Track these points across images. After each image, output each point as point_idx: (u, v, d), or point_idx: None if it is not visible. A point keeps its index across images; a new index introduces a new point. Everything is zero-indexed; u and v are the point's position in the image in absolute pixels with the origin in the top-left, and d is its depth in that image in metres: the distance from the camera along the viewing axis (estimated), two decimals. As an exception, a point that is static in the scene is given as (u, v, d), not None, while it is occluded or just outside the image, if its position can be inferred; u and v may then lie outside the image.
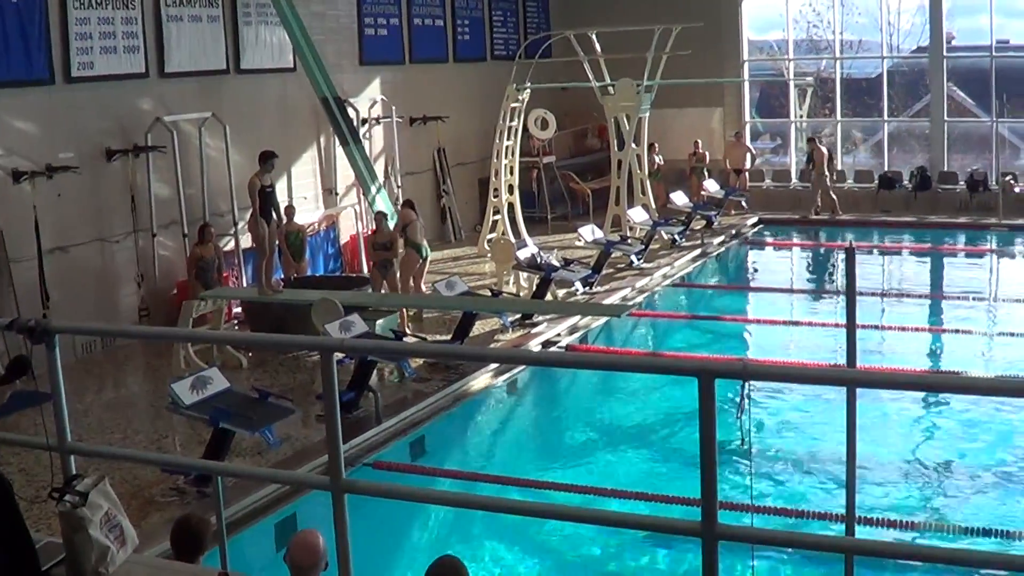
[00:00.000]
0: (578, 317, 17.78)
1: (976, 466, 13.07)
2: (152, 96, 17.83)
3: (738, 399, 6.43)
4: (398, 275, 17.74)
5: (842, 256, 8.05)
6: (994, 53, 28.35)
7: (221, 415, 10.89)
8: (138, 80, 17.65)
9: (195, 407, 11.13)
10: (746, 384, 5.45)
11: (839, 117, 30.31)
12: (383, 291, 17.47)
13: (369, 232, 19.61)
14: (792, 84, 30.99)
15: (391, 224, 18.24)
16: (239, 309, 17.68)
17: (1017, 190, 27.30)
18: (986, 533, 10.83)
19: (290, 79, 20.67)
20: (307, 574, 5.86)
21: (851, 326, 7.25)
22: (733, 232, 26.23)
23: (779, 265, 27.04)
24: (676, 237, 23.86)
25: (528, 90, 22.97)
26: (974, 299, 21.02)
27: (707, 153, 28.16)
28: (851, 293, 7.37)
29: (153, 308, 17.42)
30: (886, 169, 29.25)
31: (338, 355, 12.53)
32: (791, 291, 23.30)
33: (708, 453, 4.87)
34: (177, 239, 17.56)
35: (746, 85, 30.59)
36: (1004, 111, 28.88)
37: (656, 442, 14.10)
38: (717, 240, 25.10)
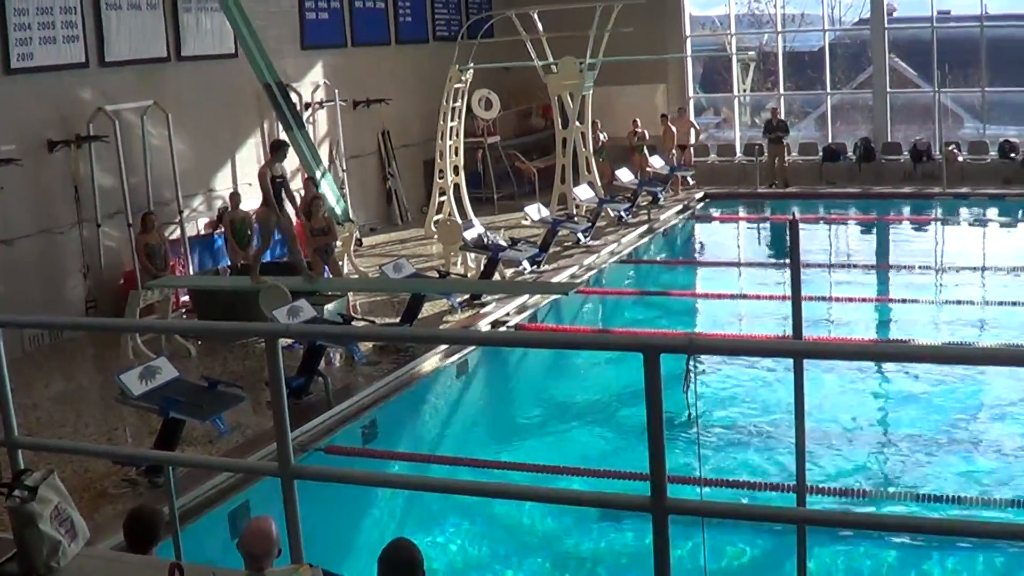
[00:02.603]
0: (527, 296, 17.81)
1: (925, 433, 13.23)
2: (93, 86, 17.67)
3: (695, 371, 6.49)
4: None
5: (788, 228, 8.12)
6: (935, 24, 28.57)
7: (170, 404, 10.84)
8: (78, 70, 17.48)
9: (144, 397, 11.07)
10: (692, 358, 5.50)
11: (782, 91, 30.46)
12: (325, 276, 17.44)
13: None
14: (735, 59, 31.10)
15: (336, 209, 18.21)
16: (186, 297, 17.60)
17: (960, 159, 27.58)
18: (937, 499, 10.96)
19: (232, 65, 20.52)
20: (260, 561, 5.86)
21: (796, 298, 7.32)
22: (680, 207, 26.33)
23: (726, 239, 27.19)
24: (622, 214, 23.94)
25: (471, 71, 22.94)
26: (920, 268, 21.23)
27: (646, 131, 28.18)
28: (795, 265, 7.44)
29: (100, 299, 17.30)
30: (830, 141, 29.46)
31: (287, 341, 12.59)
32: (738, 265, 23.44)
33: (655, 428, 4.91)
34: (122, 229, 17.40)
35: (689, 61, 30.67)
36: (946, 81, 29.14)
37: (608, 418, 14.17)
38: (664, 216, 25.19)
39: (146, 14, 18.74)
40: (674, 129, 27.70)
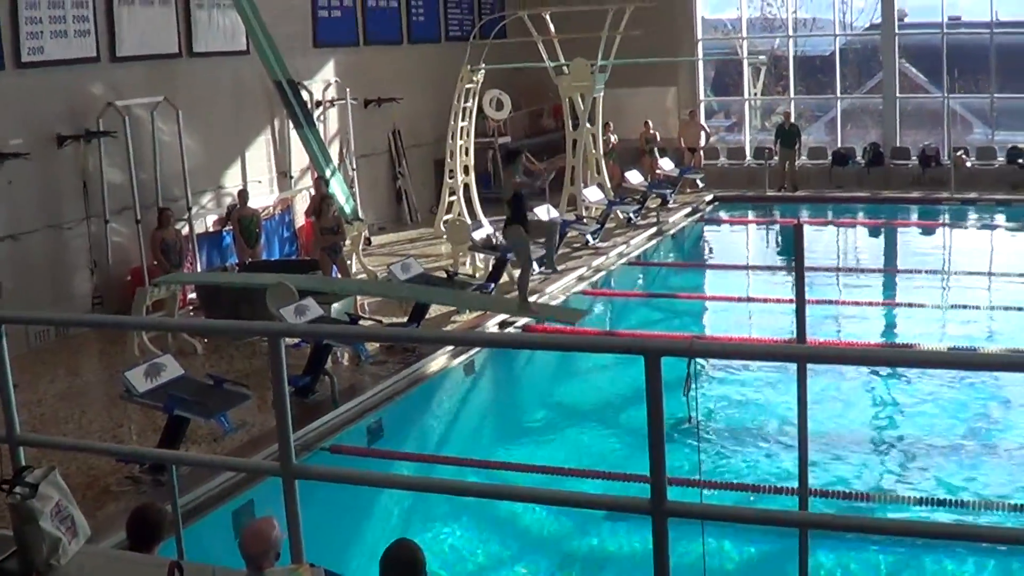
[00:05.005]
0: (536, 296, 17.79)
1: (929, 438, 13.22)
2: (103, 81, 17.67)
3: (697, 375, 6.48)
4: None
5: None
6: (945, 30, 28.65)
7: (175, 402, 10.85)
8: (89, 65, 17.47)
9: (149, 395, 11.08)
10: (694, 361, 5.50)
11: (793, 95, 30.44)
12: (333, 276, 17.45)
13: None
14: (746, 62, 31.10)
15: (345, 208, 18.21)
16: (193, 295, 17.60)
17: (968, 165, 27.60)
18: (940, 504, 10.97)
19: (243, 62, 20.52)
20: (259, 561, 5.85)
21: (800, 301, 7.32)
22: (689, 210, 26.32)
23: (734, 242, 27.17)
24: (631, 216, 23.94)
25: (483, 71, 22.95)
26: (927, 273, 21.22)
27: (657, 133, 28.21)
28: (800, 269, 7.44)
29: (107, 295, 17.30)
30: (839, 146, 29.52)
31: (292, 340, 12.60)
32: (746, 268, 23.45)
33: (656, 431, 4.91)
34: (130, 225, 17.42)
35: (700, 64, 30.65)
36: (956, 87, 29.17)
37: (613, 420, 14.20)
38: (673, 218, 25.17)
39: (158, 9, 18.75)
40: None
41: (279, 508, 5.98)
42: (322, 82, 23.04)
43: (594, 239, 21.78)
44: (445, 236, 21.10)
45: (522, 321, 16.99)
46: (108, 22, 17.77)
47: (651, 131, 28.09)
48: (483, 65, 22.91)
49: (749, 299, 19.67)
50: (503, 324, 16.67)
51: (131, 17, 18.17)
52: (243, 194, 18.83)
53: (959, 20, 29.67)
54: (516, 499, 8.94)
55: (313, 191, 19.44)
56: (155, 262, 17.05)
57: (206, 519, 10.15)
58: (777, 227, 26.78)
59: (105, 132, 17.08)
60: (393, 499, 11.48)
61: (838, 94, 30.11)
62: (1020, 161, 27.39)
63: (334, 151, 22.53)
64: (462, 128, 22.99)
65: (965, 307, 18.13)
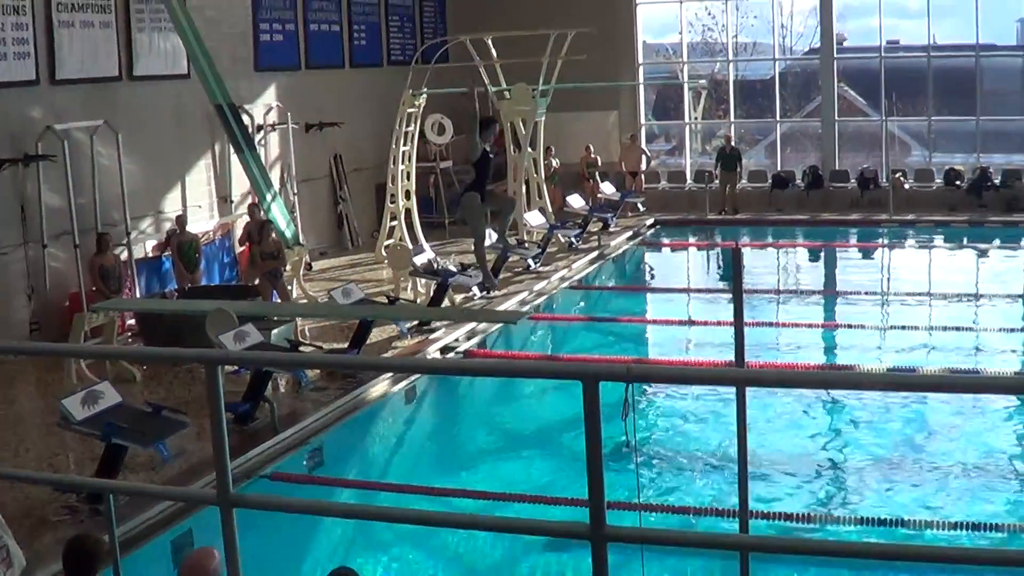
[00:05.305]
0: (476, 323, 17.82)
1: (869, 458, 13.34)
2: (43, 104, 17.53)
3: (636, 399, 6.50)
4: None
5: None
6: (883, 54, 29.06)
7: (113, 430, 10.74)
8: (28, 87, 17.33)
9: (86, 423, 10.96)
10: (632, 385, 5.52)
11: (733, 118, 30.71)
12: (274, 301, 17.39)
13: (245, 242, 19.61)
14: (686, 86, 31.33)
15: (286, 233, 18.16)
16: (132, 321, 17.45)
17: (907, 187, 28.05)
18: (881, 523, 11.04)
19: (184, 86, 20.43)
20: (198, 593, 5.81)
21: (739, 325, 7.35)
22: (630, 234, 26.44)
23: (675, 265, 27.34)
24: (573, 240, 24.02)
25: (424, 95, 22.95)
26: (866, 294, 21.45)
27: (598, 157, 28.41)
28: (738, 292, 7.47)
29: (44, 321, 17.12)
30: (779, 169, 29.81)
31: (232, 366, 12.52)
32: (687, 291, 23.57)
33: (594, 455, 4.91)
34: (68, 250, 17.25)
35: (641, 88, 30.87)
36: (894, 110, 29.57)
37: (555, 444, 14.18)
38: (614, 242, 25.28)
39: (99, 32, 18.62)
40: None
41: (218, 537, 5.94)
42: (263, 106, 22.98)
43: (535, 263, 21.82)
44: (386, 261, 21.06)
45: (463, 347, 16.99)
46: (48, 44, 17.65)
47: (592, 155, 28.27)
48: (425, 89, 22.91)
49: (690, 322, 19.79)
50: (444, 350, 16.66)
51: (71, 40, 18.05)
52: (181, 219, 18.74)
53: (897, 44, 30.11)
54: (456, 526, 8.92)
55: (248, 218, 19.37)
56: (93, 288, 16.90)
57: (144, 549, 10.03)
58: (718, 250, 26.99)
59: (44, 156, 16.90)
60: (335, 526, 11.40)
61: (778, 117, 30.44)
62: (958, 183, 27.83)
63: (275, 175, 22.48)
64: (404, 152, 22.96)
65: (904, 328, 18.31)
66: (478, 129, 16.09)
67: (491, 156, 16.16)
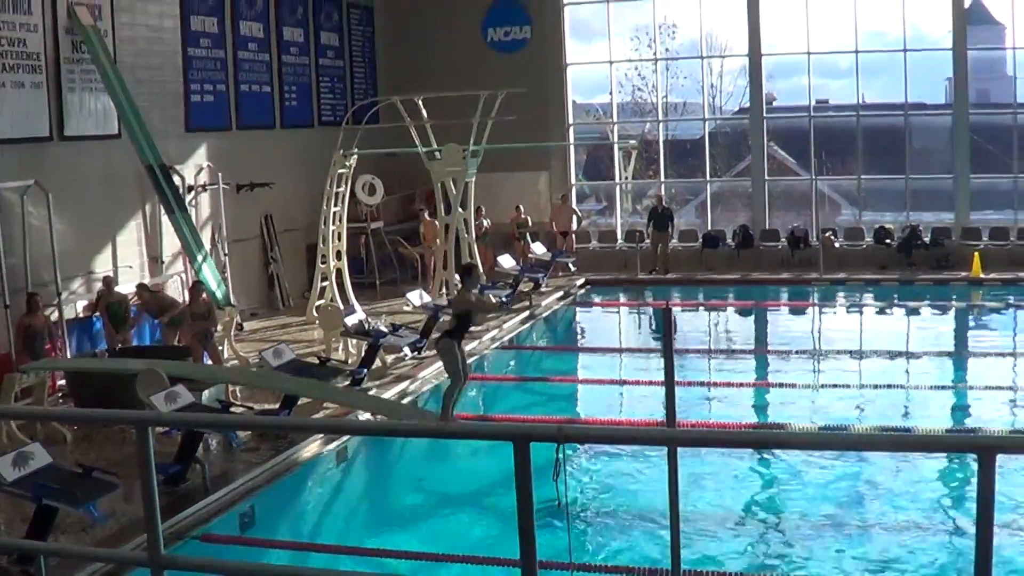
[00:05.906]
0: (408, 382, 17.88)
1: (802, 515, 13.44)
2: (-28, 164, 17.50)
3: (568, 458, 6.60)
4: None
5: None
6: (812, 113, 29.56)
7: (44, 491, 10.70)
8: (-42, 148, 17.32)
9: (17, 484, 10.90)
10: (563, 445, 5.61)
11: (663, 178, 31.05)
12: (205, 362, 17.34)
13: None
14: (616, 147, 31.69)
15: (217, 293, 18.15)
16: (63, 381, 17.34)
17: (837, 245, 28.42)
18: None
19: (115, 146, 20.44)
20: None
21: (670, 384, 7.49)
22: (561, 293, 26.62)
23: (607, 325, 27.49)
24: (504, 300, 24.10)
25: (355, 156, 23.07)
26: (797, 352, 21.71)
27: (528, 217, 28.63)
28: (668, 351, 7.62)
29: (-27, 382, 16.99)
30: (710, 228, 30.13)
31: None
32: (619, 350, 23.71)
33: (526, 516, 5.02)
34: (-1, 311, 17.21)
35: (571, 148, 31.17)
36: (823, 169, 30.04)
37: (487, 504, 14.23)
38: (545, 302, 25.44)
39: (29, 92, 18.62)
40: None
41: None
42: (194, 166, 23.00)
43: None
44: (318, 322, 21.09)
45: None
46: (-22, 105, 17.63)
47: (523, 215, 28.49)
48: (356, 150, 23.04)
49: (622, 382, 19.94)
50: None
51: (2, 100, 18.04)
52: (109, 280, 18.68)
53: (827, 103, 30.68)
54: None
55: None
56: (23, 349, 16.79)
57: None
58: (649, 310, 27.19)
59: (-26, 216, 16.88)
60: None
61: (708, 177, 30.82)
62: (888, 241, 28.28)
63: (206, 236, 22.47)
64: (335, 213, 23.05)
65: (835, 386, 18.55)
66: (466, 280, 16.30)
67: (471, 316, 16.20)
